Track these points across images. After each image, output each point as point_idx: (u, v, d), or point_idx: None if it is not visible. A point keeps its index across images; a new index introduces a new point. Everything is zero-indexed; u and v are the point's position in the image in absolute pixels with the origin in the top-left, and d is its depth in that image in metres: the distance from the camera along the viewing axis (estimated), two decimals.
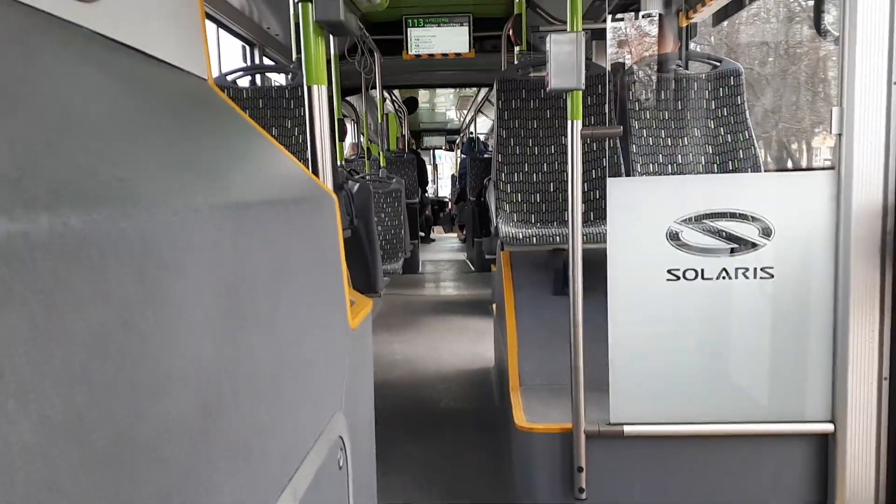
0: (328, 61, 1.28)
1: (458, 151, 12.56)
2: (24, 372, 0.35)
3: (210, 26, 3.81)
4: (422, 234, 9.57)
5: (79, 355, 0.40)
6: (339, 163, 4.24)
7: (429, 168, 15.14)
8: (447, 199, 11.89)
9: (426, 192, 9.27)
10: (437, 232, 11.62)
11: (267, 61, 4.62)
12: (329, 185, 1.33)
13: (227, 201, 0.69)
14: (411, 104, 8.97)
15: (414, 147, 11.46)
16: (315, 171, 1.34)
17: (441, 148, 15.35)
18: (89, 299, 0.42)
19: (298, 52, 1.30)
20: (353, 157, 6.41)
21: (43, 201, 0.40)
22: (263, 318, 0.72)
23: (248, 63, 4.40)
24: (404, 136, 10.39)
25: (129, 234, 0.48)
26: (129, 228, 0.48)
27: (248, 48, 4.39)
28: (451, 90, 9.49)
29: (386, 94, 8.22)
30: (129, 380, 0.46)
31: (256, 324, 0.70)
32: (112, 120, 0.59)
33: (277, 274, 0.78)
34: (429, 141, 14.59)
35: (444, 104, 11.12)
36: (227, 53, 4.33)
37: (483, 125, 12.14)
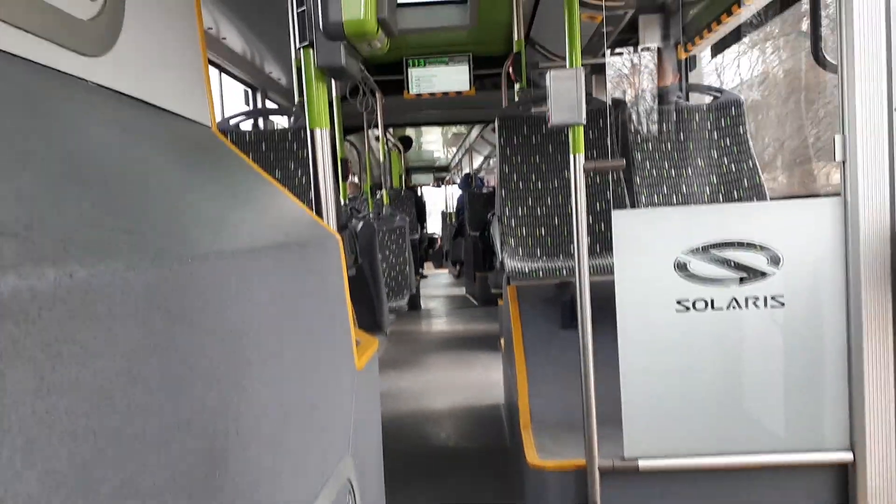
0: (330, 103, 1.30)
1: (446, 188, 12.63)
2: (30, 426, 0.35)
3: (213, 71, 3.88)
4: (422, 270, 9.59)
5: (84, 408, 0.40)
6: (342, 202, 4.27)
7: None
8: (437, 236, 11.92)
9: (425, 228, 9.29)
10: (427, 268, 11.61)
11: (269, 104, 4.69)
12: (333, 225, 1.33)
13: (232, 248, 0.69)
14: (406, 143, 9.10)
15: (411, 185, 11.56)
16: (319, 213, 1.34)
17: (428, 185, 15.47)
18: (95, 352, 0.42)
19: (300, 95, 1.31)
20: (353, 196, 6.45)
21: (49, 255, 0.40)
22: (269, 363, 0.72)
23: (251, 106, 4.47)
24: (400, 175, 10.51)
25: (134, 285, 0.48)
26: (134, 279, 0.48)
27: (250, 92, 4.47)
28: (439, 128, 9.62)
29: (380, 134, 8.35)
30: (135, 431, 0.45)
31: (262, 370, 0.69)
32: (118, 171, 0.60)
33: (283, 318, 0.78)
34: (416, 179, 14.74)
35: (431, 143, 11.25)
36: (229, 96, 4.40)
37: (476, 161, 12.27)
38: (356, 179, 7.37)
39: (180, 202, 0.66)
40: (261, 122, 4.02)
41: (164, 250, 0.54)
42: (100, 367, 0.42)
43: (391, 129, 8.39)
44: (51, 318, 0.38)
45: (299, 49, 1.26)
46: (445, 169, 14.38)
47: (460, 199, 9.68)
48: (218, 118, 3.38)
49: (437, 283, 10.15)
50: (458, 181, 10.96)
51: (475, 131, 9.27)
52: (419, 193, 10.60)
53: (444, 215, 11.14)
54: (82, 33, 0.66)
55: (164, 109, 0.82)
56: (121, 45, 0.73)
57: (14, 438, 0.34)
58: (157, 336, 0.49)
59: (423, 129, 9.67)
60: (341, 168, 4.39)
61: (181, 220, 0.63)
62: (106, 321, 0.43)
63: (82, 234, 0.46)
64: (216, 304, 0.61)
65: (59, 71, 0.63)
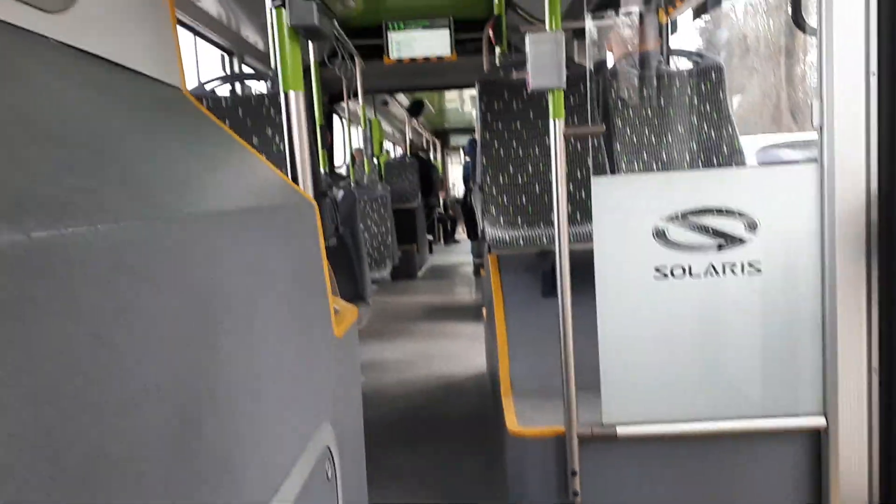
0: (307, 67, 1.27)
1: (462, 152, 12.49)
2: None
3: (188, 35, 3.78)
4: (430, 237, 9.48)
5: (47, 370, 0.39)
6: (322, 170, 4.22)
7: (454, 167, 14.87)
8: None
9: (432, 196, 9.14)
10: (461, 233, 11.53)
11: (247, 69, 4.60)
12: (309, 192, 1.31)
13: (202, 210, 0.67)
14: (416, 107, 8.94)
15: (423, 151, 11.38)
16: (294, 179, 1.32)
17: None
18: (57, 313, 0.41)
19: (276, 58, 1.28)
20: (359, 162, 6.34)
21: (6, 214, 0.39)
22: (242, 327, 0.71)
23: (228, 72, 4.37)
24: (408, 140, 10.30)
25: (97, 246, 0.46)
26: (98, 240, 0.46)
27: (226, 57, 4.37)
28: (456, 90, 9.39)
29: (389, 98, 8.19)
30: (101, 395, 0.44)
31: (235, 334, 0.68)
32: (80, 130, 0.58)
33: (256, 283, 0.77)
34: (456, 140, 14.55)
35: (453, 101, 10.98)
36: (206, 63, 4.30)
37: None
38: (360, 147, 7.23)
39: (147, 163, 0.64)
40: (238, 87, 3.94)
41: (128, 211, 0.53)
42: (62, 329, 0.41)
43: (401, 95, 8.22)
44: (8, 278, 0.37)
45: (272, 9, 1.23)
46: None
47: (467, 166, 9.56)
48: (195, 84, 3.31)
49: (463, 249, 9.84)
50: (465, 145, 10.82)
51: None
52: (428, 159, 10.40)
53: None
54: None
55: (130, 69, 0.79)
56: (83, 1, 0.70)
57: None
58: (123, 298, 0.48)
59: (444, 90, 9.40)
60: (321, 135, 4.33)
61: (148, 182, 0.61)
62: (67, 282, 0.42)
63: (41, 192, 0.44)
64: (184, 266, 0.59)
65: (17, 27, 0.60)
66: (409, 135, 10.90)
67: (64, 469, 0.40)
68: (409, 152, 10.05)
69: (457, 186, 14.88)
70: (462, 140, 14.41)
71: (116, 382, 0.46)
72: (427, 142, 13.75)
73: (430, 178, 8.90)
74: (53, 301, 0.40)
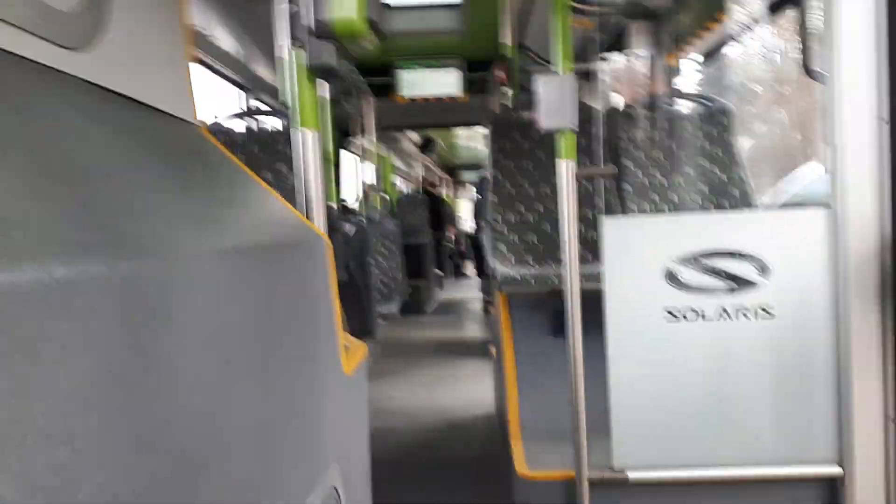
0: (318, 104, 1.29)
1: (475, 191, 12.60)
2: (4, 426, 0.34)
3: (204, 71, 3.85)
4: (440, 272, 9.51)
5: (62, 410, 0.39)
6: (333, 206, 4.25)
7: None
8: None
9: (442, 231, 9.20)
10: (469, 268, 11.56)
11: (263, 106, 4.67)
12: (322, 228, 1.32)
13: (216, 248, 0.67)
14: (428, 144, 9.05)
15: (433, 186, 11.48)
16: (307, 215, 1.33)
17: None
18: (73, 351, 0.40)
19: (290, 97, 1.30)
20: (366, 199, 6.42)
21: (28, 252, 0.39)
22: (253, 366, 0.70)
23: (244, 108, 4.44)
24: (419, 178, 10.38)
25: (114, 284, 0.46)
26: (115, 278, 0.46)
27: (243, 94, 4.44)
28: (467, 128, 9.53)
29: (399, 136, 8.29)
30: (113, 434, 0.44)
31: (246, 373, 0.68)
32: (99, 167, 0.58)
33: (267, 320, 0.77)
34: (466, 175, 14.74)
35: (463, 138, 11.14)
36: (222, 98, 4.37)
37: None
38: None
39: (163, 200, 0.65)
40: (254, 124, 4.00)
41: (145, 249, 0.53)
42: (78, 367, 0.41)
43: (413, 133, 8.34)
44: (29, 316, 0.37)
45: (289, 49, 1.25)
46: None
47: (478, 204, 9.63)
48: (211, 119, 3.36)
49: (473, 284, 9.95)
50: (476, 182, 10.88)
51: None
52: (439, 195, 10.51)
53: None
54: (64, 25, 0.64)
55: (147, 105, 0.80)
56: (104, 39, 0.71)
57: None
58: (137, 337, 0.48)
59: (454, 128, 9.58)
60: (333, 171, 4.37)
61: (164, 219, 0.61)
62: (85, 320, 0.42)
63: (62, 231, 0.44)
64: (197, 304, 0.59)
65: (39, 63, 0.61)
66: (420, 172, 10.99)
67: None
68: (420, 188, 10.13)
69: (467, 221, 14.99)
70: (471, 175, 14.54)
71: (128, 421, 0.46)
72: (439, 178, 13.88)
73: (441, 213, 8.94)
74: (71, 339, 0.40)
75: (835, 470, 1.60)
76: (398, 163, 10.10)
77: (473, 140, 10.81)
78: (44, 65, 0.62)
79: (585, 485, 1.63)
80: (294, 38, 1.21)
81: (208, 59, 3.71)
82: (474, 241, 8.24)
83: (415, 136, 9.04)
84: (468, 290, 9.35)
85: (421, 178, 10.60)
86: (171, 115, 0.87)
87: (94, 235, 0.48)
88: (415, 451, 2.99)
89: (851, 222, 1.54)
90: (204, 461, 0.57)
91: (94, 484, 0.41)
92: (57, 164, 0.52)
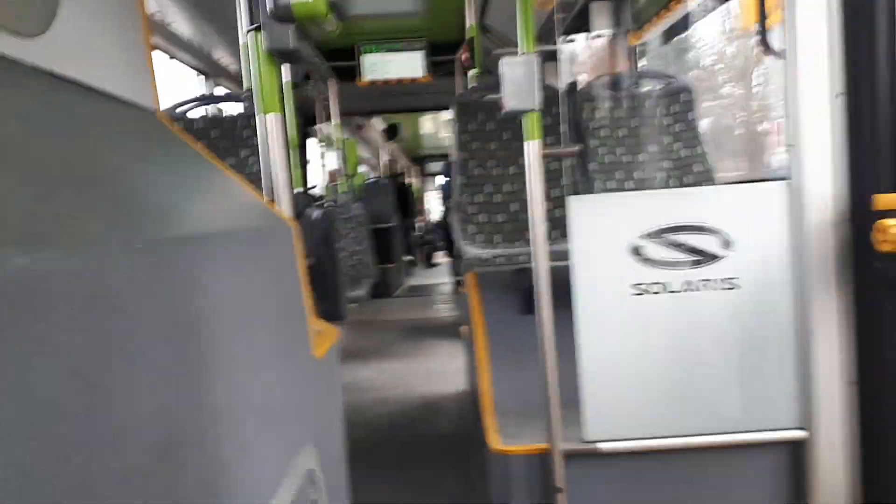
0: (281, 89, 1.27)
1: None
2: None
3: (162, 57, 3.75)
4: (409, 258, 9.49)
5: (23, 409, 0.38)
6: (298, 190, 4.20)
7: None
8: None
9: (408, 217, 9.17)
10: (439, 257, 11.56)
11: (221, 91, 4.58)
12: (287, 213, 1.31)
13: (179, 234, 0.66)
14: (392, 131, 8.98)
15: (398, 173, 11.40)
16: (272, 200, 1.32)
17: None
18: (36, 346, 0.40)
19: (251, 81, 1.28)
20: (335, 183, 6.37)
21: None
22: (222, 351, 0.70)
23: (204, 93, 4.35)
24: (384, 163, 10.33)
25: (75, 275, 0.45)
26: (75, 268, 0.46)
27: (203, 78, 4.35)
28: (432, 114, 9.49)
29: (364, 122, 8.21)
30: (82, 426, 0.43)
31: (215, 358, 0.68)
32: (56, 156, 0.57)
33: (234, 306, 0.76)
34: (433, 167, 14.46)
35: (429, 128, 11.05)
36: (181, 82, 4.28)
37: None
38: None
39: (124, 188, 0.64)
40: (213, 109, 3.92)
41: (107, 237, 0.52)
42: (40, 363, 0.40)
43: (377, 119, 8.28)
44: None
45: (248, 32, 1.23)
46: None
47: (444, 187, 9.62)
48: (168, 105, 3.29)
49: (442, 271, 9.95)
50: (441, 167, 10.86)
51: None
52: (404, 182, 10.47)
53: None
54: (16, 12, 0.62)
55: (105, 93, 0.79)
56: (58, 25, 0.69)
57: None
58: (103, 327, 0.47)
59: (420, 117, 9.49)
60: (296, 156, 4.31)
61: (126, 207, 0.60)
62: (47, 313, 0.41)
63: (19, 220, 0.43)
64: (163, 291, 0.59)
65: None
66: (385, 158, 10.92)
67: (46, 501, 0.39)
68: (384, 174, 10.10)
69: (433, 213, 14.94)
70: (438, 167, 14.45)
71: (96, 413, 0.45)
72: (405, 168, 13.79)
73: (408, 200, 8.93)
74: (31, 332, 0.40)
75: (799, 434, 1.66)
76: (363, 152, 10.03)
77: (440, 131, 10.79)
78: None
79: (559, 457, 1.66)
80: (254, 21, 1.19)
81: (167, 45, 3.62)
82: (443, 224, 8.27)
83: (380, 124, 8.98)
84: (438, 277, 9.39)
85: (387, 165, 10.57)
86: (131, 103, 0.85)
87: (53, 224, 0.47)
88: (388, 431, 3.01)
89: (809, 195, 1.58)
90: (178, 446, 0.57)
91: (64, 480, 0.41)
92: (13, 154, 0.50)
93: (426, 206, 15.23)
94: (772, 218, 1.64)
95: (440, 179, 13.76)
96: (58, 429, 0.41)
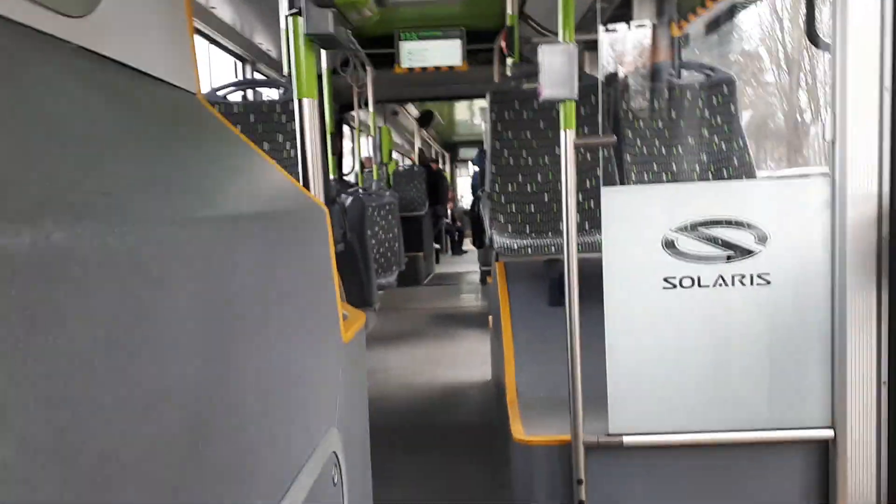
0: (319, 75, 1.29)
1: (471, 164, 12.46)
2: (3, 390, 0.34)
3: (202, 42, 3.81)
4: (437, 246, 9.48)
5: (61, 373, 0.39)
6: (332, 176, 4.24)
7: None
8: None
9: (440, 205, 9.16)
10: (468, 244, 11.55)
11: (259, 76, 4.63)
12: (320, 198, 1.32)
13: (215, 214, 0.68)
14: (426, 117, 8.96)
15: (433, 161, 11.40)
16: (306, 185, 1.33)
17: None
18: (72, 316, 0.41)
19: (290, 66, 1.29)
20: (368, 170, 6.38)
21: (25, 215, 0.39)
22: (253, 331, 0.71)
23: (241, 78, 4.41)
24: (419, 149, 10.38)
25: (114, 249, 0.47)
26: (114, 243, 0.47)
27: (240, 64, 4.40)
28: (467, 101, 9.42)
29: (399, 108, 8.23)
30: (115, 398, 0.45)
31: (246, 338, 0.69)
32: (98, 134, 0.58)
33: (267, 287, 0.77)
34: (465, 153, 14.43)
35: (479, 116, 10.98)
36: (219, 70, 4.34)
37: None
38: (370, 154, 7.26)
39: (163, 167, 0.65)
40: (251, 94, 3.97)
41: (144, 214, 0.54)
42: (77, 332, 0.41)
43: (411, 105, 8.27)
44: (26, 279, 0.37)
45: (288, 17, 1.24)
46: None
47: (475, 175, 9.58)
48: (206, 90, 3.34)
49: (471, 259, 9.94)
50: (473, 157, 10.80)
51: None
52: (437, 169, 10.48)
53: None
54: None
55: (147, 74, 0.80)
56: (103, 6, 0.71)
57: None
58: (138, 301, 0.49)
59: (455, 102, 9.42)
60: (331, 142, 4.35)
61: (163, 185, 0.62)
62: (84, 285, 0.42)
63: (60, 194, 0.45)
64: (199, 270, 0.60)
65: (37, 30, 0.61)
66: (418, 145, 10.93)
67: (74, 471, 0.40)
68: (418, 162, 10.11)
69: (465, 198, 14.88)
70: (471, 153, 14.39)
71: (130, 386, 0.47)
72: (437, 154, 13.77)
73: (438, 187, 8.91)
74: (70, 303, 0.41)
75: (827, 434, 1.63)
76: (397, 138, 10.04)
77: (474, 116, 10.72)
78: (42, 32, 0.62)
79: (581, 449, 1.65)
80: (294, 6, 1.20)
81: (205, 28, 3.67)
82: (473, 213, 8.25)
83: (413, 110, 8.97)
84: (466, 265, 9.37)
85: (419, 152, 10.60)
86: (172, 84, 0.86)
87: (91, 200, 0.48)
88: (412, 418, 3.03)
89: (850, 191, 1.54)
90: (207, 424, 0.59)
91: (97, 447, 0.42)
92: (56, 131, 0.52)
93: (458, 194, 15.20)
94: (810, 213, 1.60)
95: (473, 167, 13.72)
96: (92, 396, 0.42)
